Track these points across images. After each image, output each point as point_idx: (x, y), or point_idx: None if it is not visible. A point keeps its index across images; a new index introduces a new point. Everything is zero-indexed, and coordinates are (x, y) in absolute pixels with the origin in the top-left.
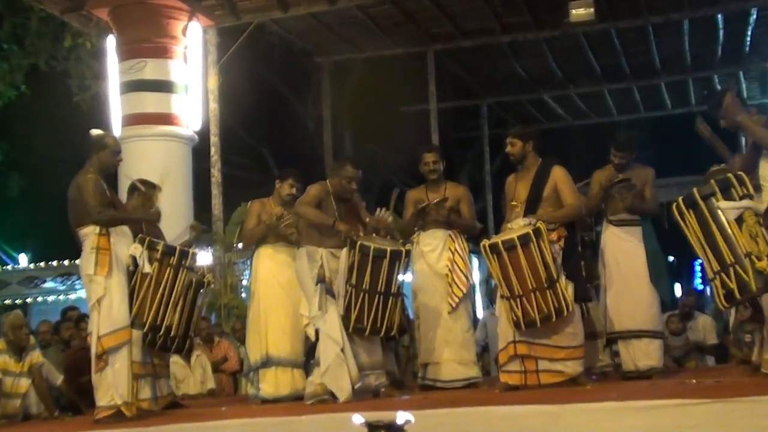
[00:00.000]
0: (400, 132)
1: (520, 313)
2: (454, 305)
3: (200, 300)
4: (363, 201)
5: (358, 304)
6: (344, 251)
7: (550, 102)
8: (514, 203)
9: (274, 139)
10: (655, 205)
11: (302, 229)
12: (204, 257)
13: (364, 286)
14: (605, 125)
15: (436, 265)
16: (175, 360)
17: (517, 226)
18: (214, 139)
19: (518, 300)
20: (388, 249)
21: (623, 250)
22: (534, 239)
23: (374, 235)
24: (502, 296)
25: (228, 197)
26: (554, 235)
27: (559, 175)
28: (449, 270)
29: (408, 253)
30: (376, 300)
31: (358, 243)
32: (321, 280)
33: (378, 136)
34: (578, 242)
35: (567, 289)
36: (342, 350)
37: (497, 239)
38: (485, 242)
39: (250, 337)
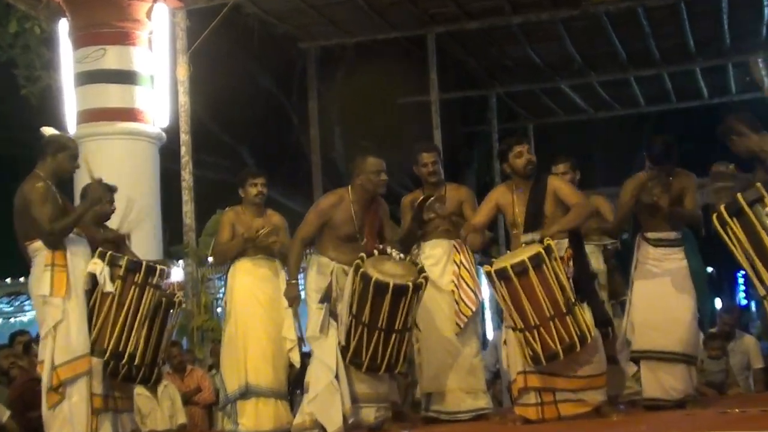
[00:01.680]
0: (398, 127)
1: (538, 347)
2: (462, 325)
3: (170, 322)
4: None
5: (357, 336)
6: (351, 273)
7: (569, 92)
8: (515, 231)
9: (253, 137)
10: (697, 215)
11: (318, 238)
12: (174, 273)
13: (363, 319)
14: (632, 117)
15: (439, 280)
16: (140, 392)
17: (521, 250)
18: (184, 137)
19: (535, 331)
20: (391, 283)
21: (663, 270)
22: (546, 259)
23: (390, 251)
24: (513, 329)
25: (201, 203)
26: (565, 259)
27: (555, 183)
28: (455, 285)
29: (418, 287)
30: (375, 336)
31: (361, 270)
32: (327, 298)
33: (372, 131)
34: (588, 261)
35: (585, 312)
36: (336, 377)
37: (505, 263)
38: (488, 268)
39: (226, 364)
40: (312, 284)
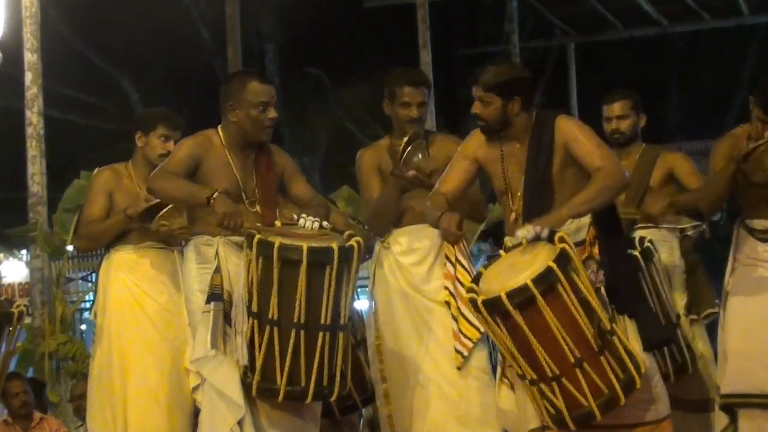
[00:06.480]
0: (363, 44)
1: (562, 405)
2: (466, 353)
3: (5, 345)
4: (295, 163)
5: (264, 345)
6: (243, 256)
7: None
8: (509, 203)
9: (140, 60)
10: None
11: (190, 213)
12: (12, 269)
13: (270, 315)
14: (729, 33)
15: (424, 286)
16: None
17: (519, 256)
18: (31, 59)
19: (554, 384)
20: (304, 247)
21: None
22: (561, 276)
23: (304, 220)
24: (522, 378)
25: (58, 161)
26: (586, 243)
27: (567, 127)
28: (451, 294)
29: (346, 252)
30: (292, 338)
31: (256, 238)
32: (216, 295)
33: (324, 51)
34: (624, 246)
35: (627, 332)
36: (240, 423)
37: (497, 287)
38: (473, 293)
39: (95, 411)
40: (193, 282)
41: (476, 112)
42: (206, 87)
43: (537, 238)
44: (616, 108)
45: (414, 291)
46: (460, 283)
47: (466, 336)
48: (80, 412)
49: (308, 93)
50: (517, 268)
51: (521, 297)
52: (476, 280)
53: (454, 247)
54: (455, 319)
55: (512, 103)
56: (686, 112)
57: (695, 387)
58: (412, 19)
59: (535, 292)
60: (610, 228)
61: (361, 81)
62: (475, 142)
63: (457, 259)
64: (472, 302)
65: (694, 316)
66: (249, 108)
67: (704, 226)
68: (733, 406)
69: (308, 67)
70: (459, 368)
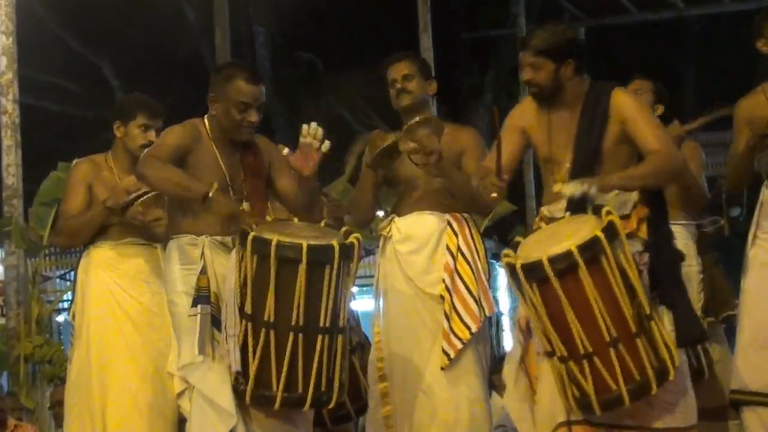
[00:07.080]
0: (359, 28)
1: (590, 387)
2: (453, 355)
3: None
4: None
5: (259, 349)
6: (233, 254)
7: None
8: (552, 173)
9: (120, 44)
10: None
11: (171, 209)
12: None
13: (265, 317)
14: (749, 16)
15: (421, 279)
16: None
17: (564, 223)
18: (6, 43)
19: (585, 362)
20: (304, 245)
21: None
22: (607, 247)
23: (296, 219)
24: (550, 355)
25: (34, 151)
26: (632, 220)
27: (625, 103)
28: (447, 288)
29: (348, 248)
30: (290, 341)
31: (251, 236)
32: (202, 297)
33: (319, 36)
34: (671, 233)
35: (663, 325)
36: (233, 431)
37: (539, 251)
38: (510, 257)
39: (72, 419)
40: (177, 284)
41: (527, 78)
42: (192, 73)
43: (583, 197)
44: (633, 86)
45: (411, 286)
46: (460, 276)
47: (456, 336)
48: (59, 419)
49: (301, 80)
50: (560, 236)
51: (564, 263)
52: (514, 248)
53: (458, 236)
54: (447, 317)
55: (565, 66)
56: (703, 100)
57: (712, 394)
58: (411, 0)
59: (579, 259)
60: (657, 213)
61: (357, 67)
62: (519, 111)
63: (459, 250)
64: (510, 266)
65: (711, 318)
66: (229, 105)
67: (722, 222)
68: (741, 403)
69: (301, 52)
70: (443, 368)
